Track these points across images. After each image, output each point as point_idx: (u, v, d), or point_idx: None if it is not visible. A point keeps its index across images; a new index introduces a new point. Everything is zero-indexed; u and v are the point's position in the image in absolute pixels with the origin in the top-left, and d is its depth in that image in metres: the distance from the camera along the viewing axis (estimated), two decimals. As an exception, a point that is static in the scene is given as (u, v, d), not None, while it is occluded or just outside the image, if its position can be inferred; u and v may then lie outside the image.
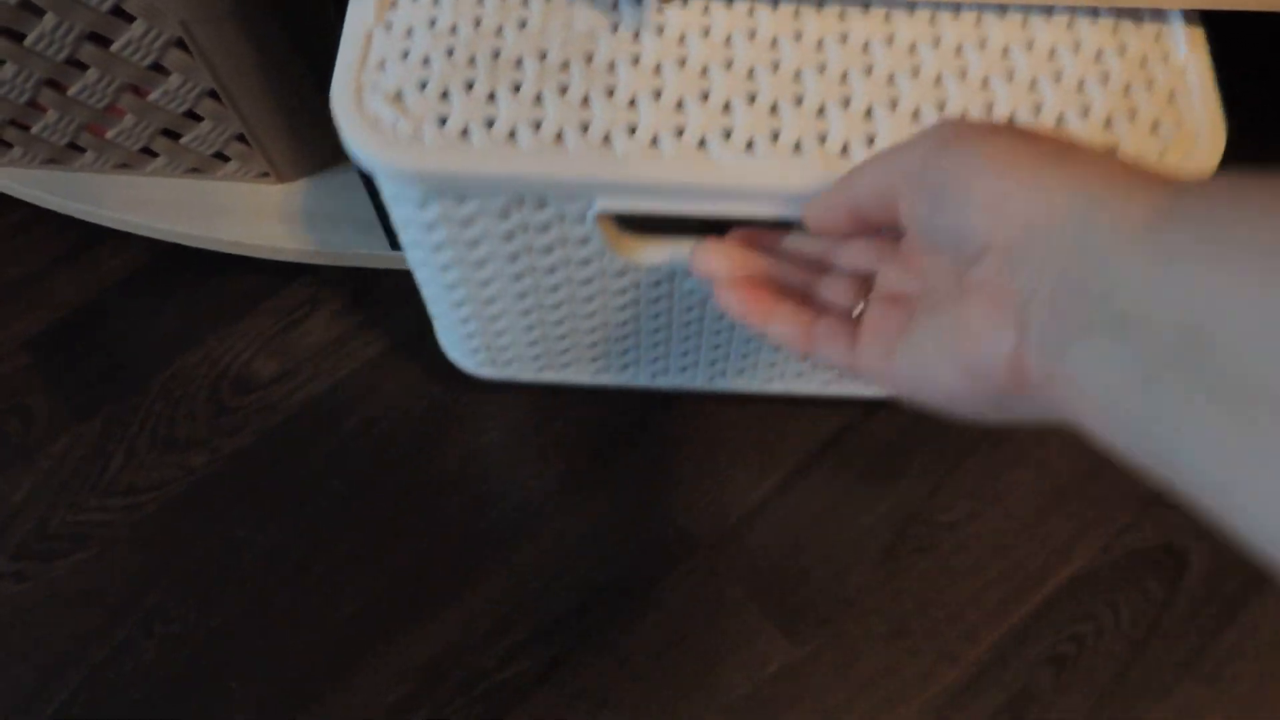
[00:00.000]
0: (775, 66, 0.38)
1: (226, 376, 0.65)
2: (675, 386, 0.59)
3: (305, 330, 0.67)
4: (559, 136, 0.37)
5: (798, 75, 0.38)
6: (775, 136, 0.37)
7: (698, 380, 0.58)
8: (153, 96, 0.55)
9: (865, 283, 0.34)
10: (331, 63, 0.38)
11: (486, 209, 0.40)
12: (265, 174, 0.62)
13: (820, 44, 0.39)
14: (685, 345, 0.54)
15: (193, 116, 0.57)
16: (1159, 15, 0.39)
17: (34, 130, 0.59)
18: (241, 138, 0.59)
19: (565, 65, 0.38)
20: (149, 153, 0.61)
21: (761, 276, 0.35)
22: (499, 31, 0.39)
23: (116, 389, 0.65)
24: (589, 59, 0.38)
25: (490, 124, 0.37)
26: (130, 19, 0.50)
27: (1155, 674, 0.59)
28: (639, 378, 0.58)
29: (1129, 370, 0.22)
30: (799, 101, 0.38)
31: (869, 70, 0.38)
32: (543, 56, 0.38)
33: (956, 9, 0.39)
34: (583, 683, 0.58)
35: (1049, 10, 0.39)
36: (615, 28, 0.39)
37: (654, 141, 0.37)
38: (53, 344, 0.66)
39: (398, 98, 0.37)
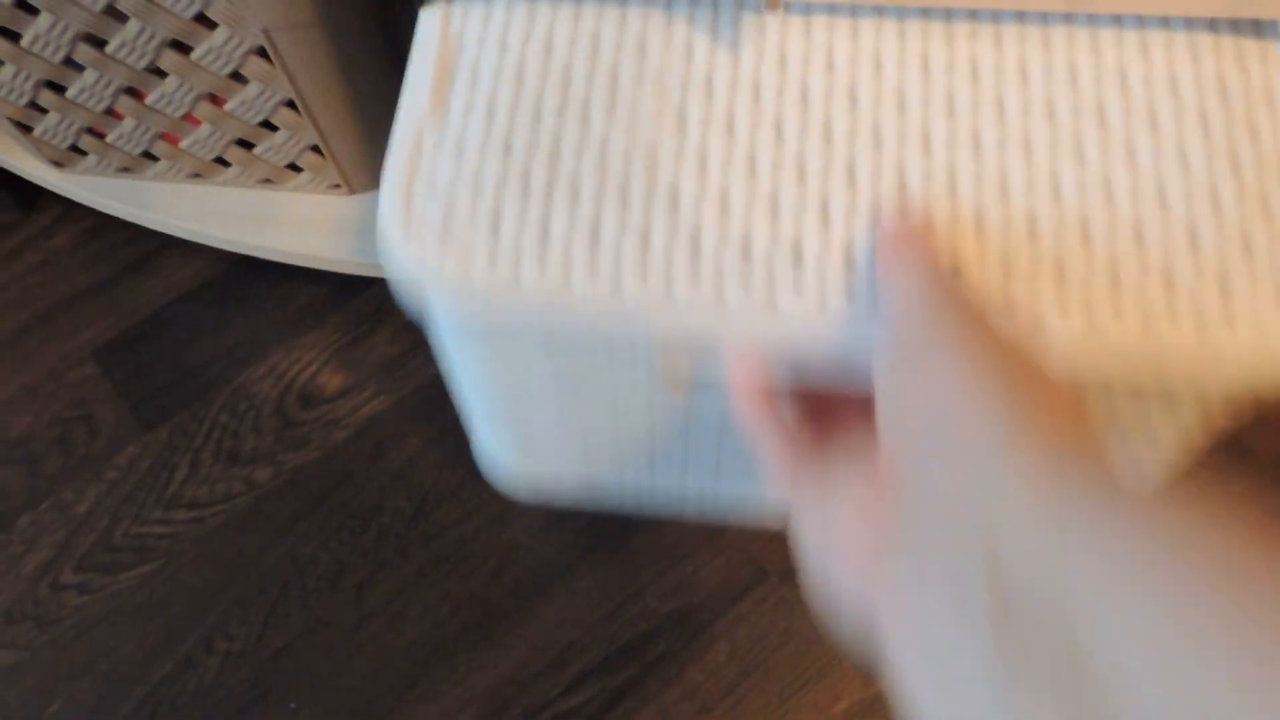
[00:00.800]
0: (848, 177, 0.33)
1: (292, 390, 0.64)
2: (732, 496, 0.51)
3: (371, 345, 0.66)
4: (617, 275, 0.32)
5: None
6: (850, 292, 0.31)
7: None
8: (230, 106, 0.55)
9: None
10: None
11: (533, 343, 0.37)
12: (337, 185, 0.61)
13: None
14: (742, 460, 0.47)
15: (268, 126, 0.56)
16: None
17: (109, 138, 0.59)
18: (316, 149, 0.58)
19: (625, 193, 0.33)
20: (222, 162, 0.60)
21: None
22: (556, 150, 0.33)
23: (182, 400, 0.64)
24: (652, 187, 0.33)
25: (544, 250, 0.32)
26: (213, 26, 0.49)
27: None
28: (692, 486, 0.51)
29: (987, 660, 0.19)
30: (848, 260, 0.32)
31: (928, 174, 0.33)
32: (604, 174, 0.33)
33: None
34: (649, 714, 0.56)
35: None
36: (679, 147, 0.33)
37: (719, 291, 0.32)
38: (120, 353, 0.66)
39: (449, 209, 0.33)
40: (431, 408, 0.64)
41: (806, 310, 0.31)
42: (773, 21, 0.35)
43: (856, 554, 0.25)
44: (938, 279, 0.27)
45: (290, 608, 0.58)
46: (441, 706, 0.56)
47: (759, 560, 0.59)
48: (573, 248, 0.32)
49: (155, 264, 0.68)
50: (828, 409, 0.32)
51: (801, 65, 0.35)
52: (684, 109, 0.34)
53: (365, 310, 0.67)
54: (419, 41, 0.36)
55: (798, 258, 0.32)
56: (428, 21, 0.37)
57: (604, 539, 0.60)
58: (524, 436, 0.46)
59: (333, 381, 0.65)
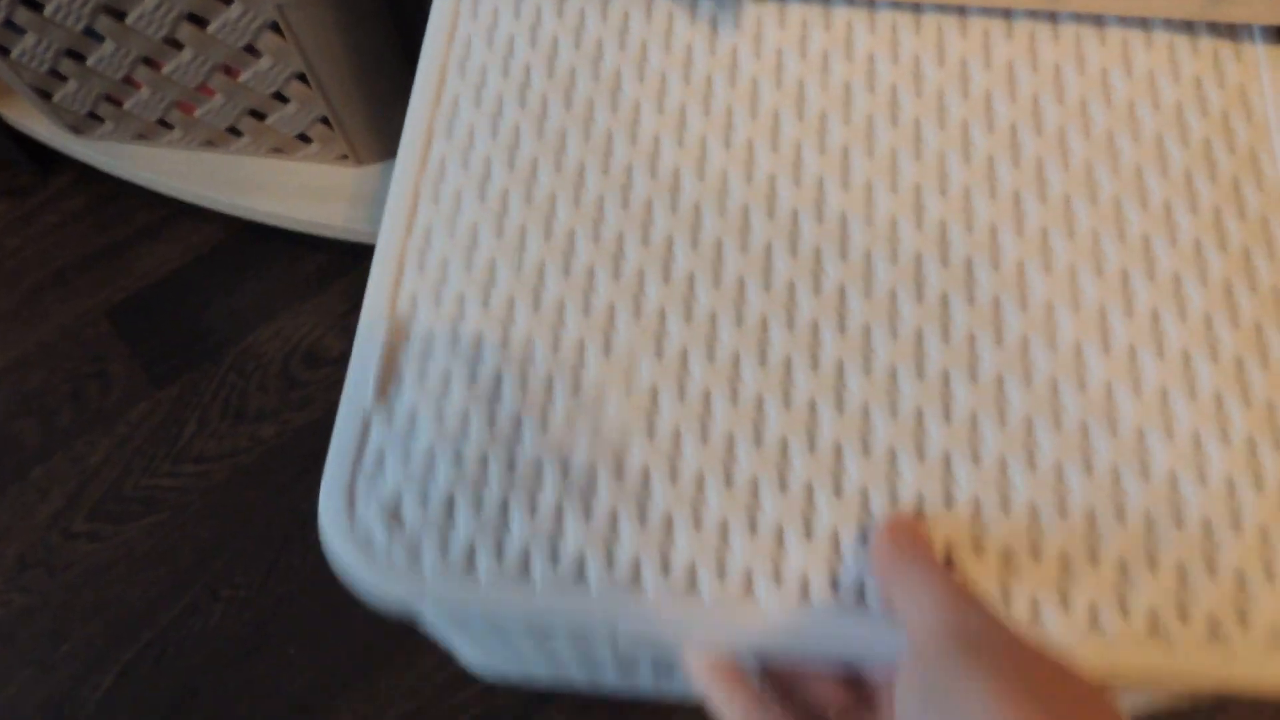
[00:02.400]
0: (835, 485, 0.31)
1: (297, 352, 0.67)
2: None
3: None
4: (580, 571, 0.30)
5: (839, 495, 0.31)
6: (835, 582, 0.30)
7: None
8: (243, 77, 0.57)
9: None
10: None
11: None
12: (344, 156, 0.64)
13: (865, 494, 0.31)
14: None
15: (280, 98, 0.59)
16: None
17: (126, 106, 0.61)
18: (325, 120, 0.60)
19: (592, 478, 0.31)
20: (234, 132, 0.63)
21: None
22: (517, 429, 0.31)
23: (192, 359, 0.67)
24: (619, 466, 0.31)
25: (500, 552, 0.30)
26: (228, 1, 0.51)
27: None
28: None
29: None
30: (864, 537, 0.30)
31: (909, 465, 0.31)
32: (565, 467, 0.31)
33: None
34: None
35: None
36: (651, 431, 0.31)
37: (692, 583, 0.30)
38: (134, 313, 0.68)
39: (395, 512, 0.31)
40: (430, 373, 0.66)
41: (785, 601, 0.29)
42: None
43: None
44: (948, 583, 0.27)
45: (292, 559, 0.61)
46: (435, 658, 0.59)
47: None
48: (533, 533, 0.30)
49: (168, 228, 0.71)
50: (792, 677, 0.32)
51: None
52: (657, 394, 0.32)
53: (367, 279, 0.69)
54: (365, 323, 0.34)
55: (779, 543, 0.30)
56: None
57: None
58: (498, 656, 0.44)
59: (336, 345, 0.67)
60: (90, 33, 0.55)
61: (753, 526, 0.30)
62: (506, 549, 0.30)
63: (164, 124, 0.63)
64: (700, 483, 0.30)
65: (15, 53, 0.58)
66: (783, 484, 0.31)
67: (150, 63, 0.57)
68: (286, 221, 0.65)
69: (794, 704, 0.31)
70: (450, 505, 0.31)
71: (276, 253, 0.70)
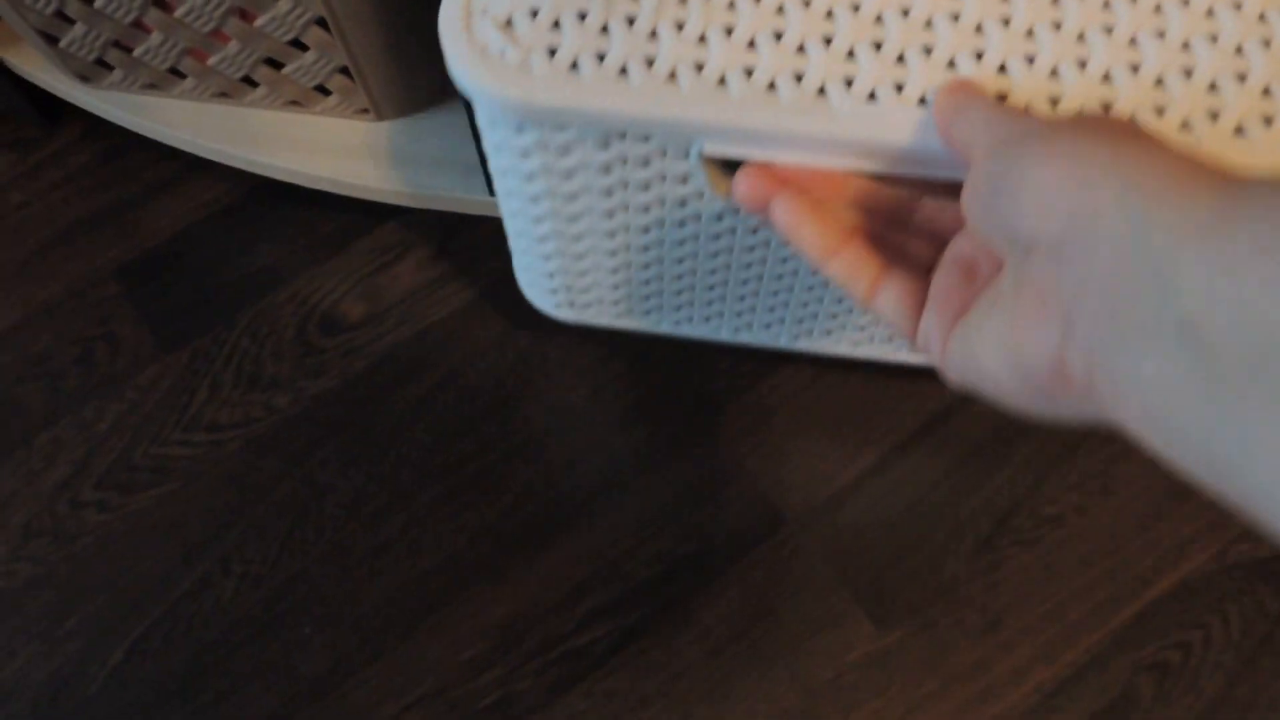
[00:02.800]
0: (905, 12, 0.35)
1: (314, 317, 0.64)
2: (758, 343, 0.56)
3: (395, 274, 0.65)
4: (672, 75, 0.35)
5: (929, 23, 0.35)
6: (900, 88, 0.34)
7: (781, 339, 0.55)
8: (259, 22, 0.53)
9: (941, 244, 0.33)
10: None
11: (585, 138, 0.38)
12: (365, 110, 0.60)
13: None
14: (773, 300, 0.51)
15: (298, 46, 0.55)
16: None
17: (136, 53, 0.58)
18: (345, 71, 0.57)
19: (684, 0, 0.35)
20: (249, 82, 0.59)
21: (831, 216, 0.34)
22: None
23: (204, 323, 0.64)
24: None
25: (601, 58, 0.35)
26: (245, -62, 0.48)
27: (1264, 690, 0.56)
28: (721, 331, 0.55)
29: (1188, 380, 0.21)
30: (928, 52, 0.34)
31: (1006, 21, 0.35)
32: None
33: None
34: (660, 655, 0.56)
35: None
36: None
37: (771, 86, 0.34)
38: (144, 273, 0.65)
39: (508, 24, 0.35)
40: (453, 340, 0.63)
41: (856, 104, 0.34)
42: None
43: (1016, 352, 0.26)
44: (1003, 108, 0.29)
45: (307, 533, 0.59)
46: (453, 638, 0.57)
47: (777, 507, 0.59)
48: (631, 45, 0.35)
49: (180, 185, 0.68)
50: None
51: None
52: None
53: (391, 239, 0.66)
54: None
55: (851, 58, 0.34)
56: None
57: (618, 481, 0.60)
58: (570, 272, 0.50)
59: (355, 309, 0.64)
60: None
61: (827, 41, 0.35)
62: (608, 57, 0.35)
63: (176, 73, 0.60)
64: (782, 7, 0.35)
65: (20, -6, 0.55)
66: (855, 7, 0.35)
67: (162, 5, 0.54)
68: (304, 179, 0.62)
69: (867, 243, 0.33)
70: (556, 19, 0.35)
71: (293, 212, 0.67)
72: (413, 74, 0.59)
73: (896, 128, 0.34)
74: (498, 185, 0.45)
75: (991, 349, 0.27)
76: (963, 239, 0.32)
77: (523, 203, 0.44)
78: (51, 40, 0.58)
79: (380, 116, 0.61)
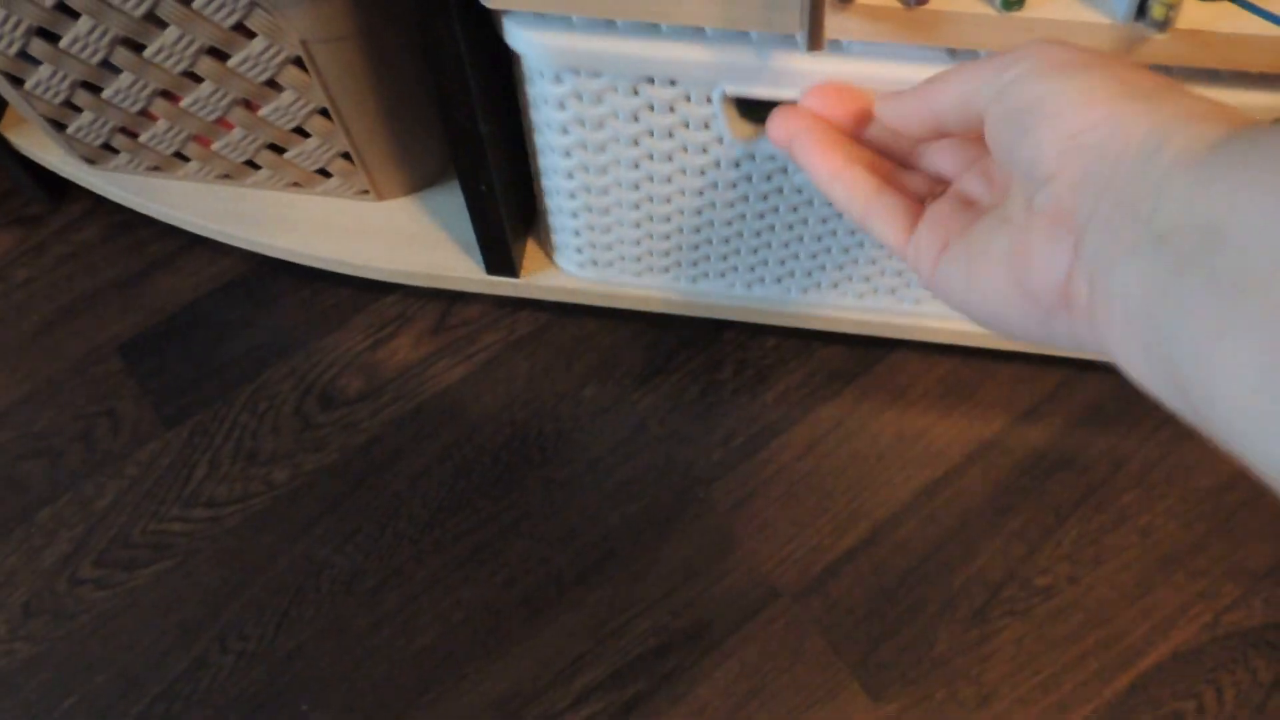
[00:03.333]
0: None
1: (313, 391, 0.65)
2: (770, 298, 0.60)
3: (392, 349, 0.66)
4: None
5: None
6: None
7: (792, 291, 0.59)
8: (263, 112, 0.55)
9: (944, 185, 0.34)
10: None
11: (616, 84, 0.43)
12: (365, 192, 0.62)
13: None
14: (784, 252, 0.55)
15: (300, 133, 0.57)
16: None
17: (142, 138, 0.60)
18: (346, 155, 0.58)
19: None
20: (252, 165, 0.61)
21: (839, 138, 0.35)
22: None
23: (204, 398, 0.65)
24: None
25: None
26: (251, 35, 0.50)
27: (1260, 761, 0.56)
28: (735, 286, 0.59)
29: (1156, 280, 0.23)
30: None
31: None
32: None
33: None
34: (658, 729, 0.56)
35: None
36: None
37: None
38: (146, 349, 0.66)
39: None
40: (450, 415, 0.64)
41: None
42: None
43: (1016, 273, 0.28)
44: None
45: (304, 610, 0.59)
46: (450, 713, 0.57)
47: (770, 581, 0.60)
48: None
49: (182, 261, 0.69)
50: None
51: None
52: None
53: (389, 314, 0.67)
54: None
55: None
56: None
57: (616, 553, 0.60)
58: (595, 228, 0.54)
59: (353, 384, 0.65)
60: (107, 65, 0.54)
61: None
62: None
63: (180, 156, 0.61)
64: None
65: (30, 83, 0.56)
66: None
67: (168, 95, 0.56)
68: (304, 258, 0.63)
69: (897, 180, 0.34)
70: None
71: (293, 288, 0.68)
72: (411, 157, 0.60)
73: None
74: (538, 139, 0.50)
75: (994, 267, 0.29)
76: (969, 180, 0.33)
77: (557, 156, 0.49)
78: (59, 126, 0.60)
79: (380, 197, 0.63)
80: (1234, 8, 0.35)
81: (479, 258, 0.60)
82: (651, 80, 0.43)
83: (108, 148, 0.62)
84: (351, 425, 0.64)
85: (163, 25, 0.50)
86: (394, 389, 0.65)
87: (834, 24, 0.37)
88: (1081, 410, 0.64)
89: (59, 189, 0.70)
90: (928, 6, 0.36)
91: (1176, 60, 0.37)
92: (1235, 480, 0.62)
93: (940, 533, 0.61)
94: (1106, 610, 0.59)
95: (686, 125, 0.46)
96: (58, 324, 0.67)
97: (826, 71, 0.40)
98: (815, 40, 0.35)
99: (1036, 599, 0.59)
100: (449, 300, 0.67)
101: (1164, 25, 0.35)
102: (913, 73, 0.39)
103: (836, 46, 0.40)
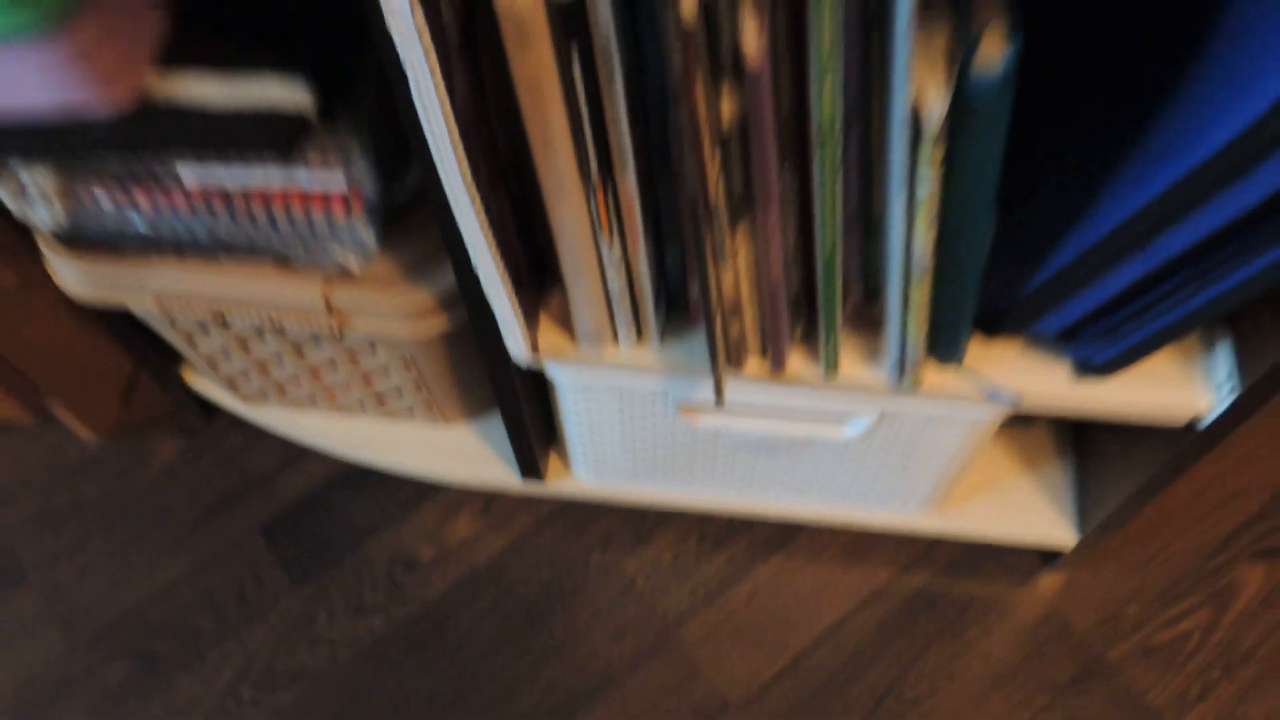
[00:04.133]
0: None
1: (399, 559, 0.91)
2: (724, 499, 0.86)
3: (454, 527, 0.93)
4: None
5: None
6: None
7: (741, 494, 0.86)
8: (375, 384, 0.83)
9: None
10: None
11: (609, 391, 0.71)
12: (437, 419, 0.89)
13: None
14: (732, 472, 0.82)
15: (398, 393, 0.84)
16: None
17: (287, 391, 0.87)
18: (426, 401, 0.86)
19: None
20: (361, 406, 0.88)
21: None
22: None
23: (322, 564, 0.91)
24: None
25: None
26: (374, 346, 0.77)
27: (1062, 820, 0.81)
28: (699, 490, 0.86)
29: None
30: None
31: None
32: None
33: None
34: (644, 802, 0.82)
35: None
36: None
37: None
38: (279, 528, 0.93)
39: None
40: (496, 575, 0.90)
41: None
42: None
43: None
44: None
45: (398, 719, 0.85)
46: (499, 792, 0.82)
47: (724, 695, 0.85)
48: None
49: (304, 463, 0.96)
50: None
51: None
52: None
53: (449, 503, 0.94)
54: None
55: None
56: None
57: (614, 677, 0.86)
58: (600, 455, 0.82)
59: (426, 553, 0.92)
60: (277, 357, 0.81)
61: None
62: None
63: (311, 400, 0.89)
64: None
65: (204, 348, 0.84)
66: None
67: (313, 372, 0.83)
68: (394, 467, 0.90)
69: None
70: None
71: (384, 482, 0.95)
72: (469, 399, 0.88)
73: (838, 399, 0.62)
74: (560, 407, 0.77)
75: None
76: None
77: (572, 417, 0.76)
78: (227, 379, 0.88)
79: (446, 423, 0.90)
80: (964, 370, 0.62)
81: (515, 467, 0.87)
82: (625, 392, 0.70)
83: (259, 392, 0.89)
84: (427, 584, 0.90)
85: (320, 343, 0.78)
86: (456, 556, 0.91)
87: (731, 387, 0.64)
88: (944, 566, 0.90)
89: (212, 407, 0.98)
90: (784, 373, 0.64)
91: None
92: (1048, 617, 0.88)
93: (843, 657, 0.87)
94: (955, 715, 0.84)
95: (654, 412, 0.73)
96: (216, 509, 0.94)
97: (735, 399, 0.67)
98: (720, 398, 0.63)
99: (909, 706, 0.85)
100: (493, 494, 0.94)
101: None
102: (788, 399, 0.67)
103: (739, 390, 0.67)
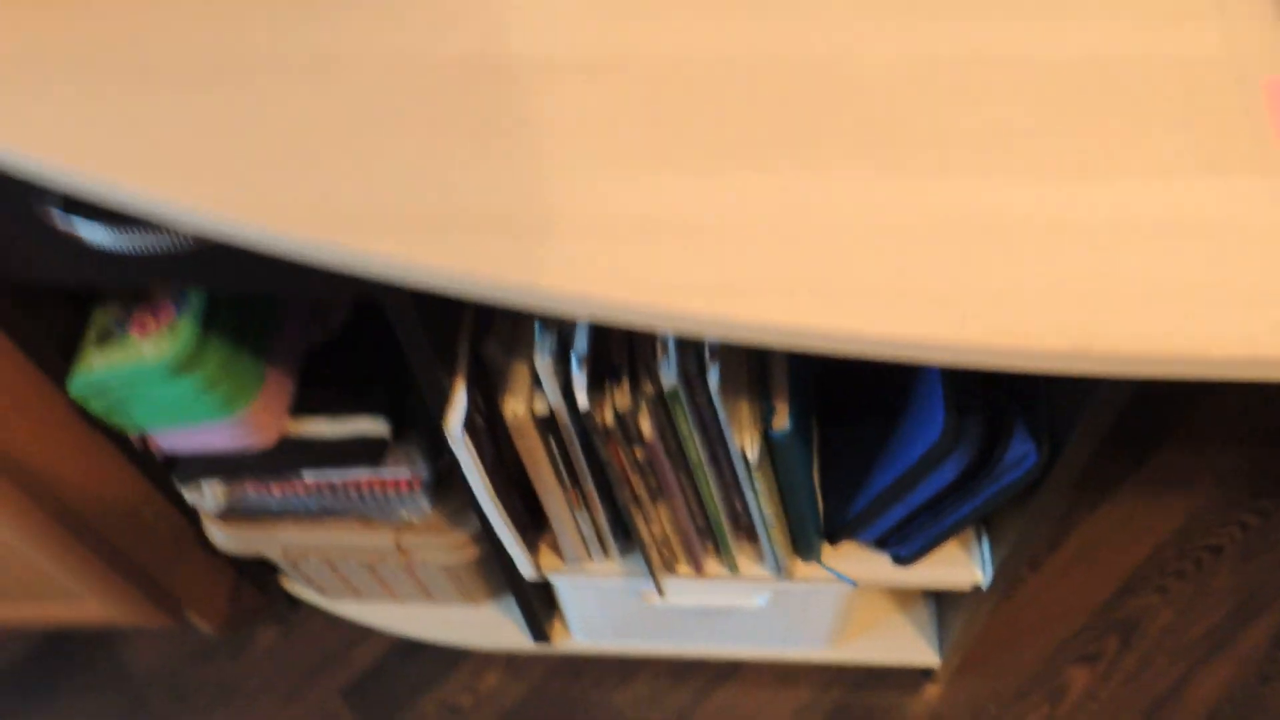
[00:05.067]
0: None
1: (446, 706, 1.22)
2: (689, 651, 1.15)
3: (485, 680, 1.24)
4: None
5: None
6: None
7: (702, 645, 1.15)
8: (425, 584, 1.15)
9: None
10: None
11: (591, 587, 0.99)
12: (468, 602, 1.21)
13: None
14: (688, 635, 1.11)
15: (440, 587, 1.17)
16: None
17: (360, 591, 1.19)
18: (460, 591, 1.18)
19: None
20: (412, 596, 1.21)
21: None
22: None
23: (390, 715, 1.22)
24: None
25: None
26: (427, 564, 1.10)
27: None
28: (676, 644, 1.15)
29: None
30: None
31: None
32: None
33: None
34: None
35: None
36: None
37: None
38: (355, 690, 1.24)
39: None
40: (520, 713, 1.21)
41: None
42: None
43: None
44: None
45: (454, 831, 1.15)
46: None
47: (692, 794, 1.15)
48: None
49: (369, 640, 1.28)
50: None
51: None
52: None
53: (481, 662, 1.25)
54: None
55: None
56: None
57: (612, 786, 1.16)
58: (591, 619, 1.08)
59: (467, 700, 1.23)
60: (355, 572, 1.14)
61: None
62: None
63: (375, 594, 1.21)
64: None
65: (304, 569, 1.16)
66: None
67: (380, 579, 1.15)
68: (436, 638, 1.22)
69: None
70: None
71: (431, 650, 1.26)
72: (492, 585, 1.20)
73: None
74: (561, 594, 1.06)
75: None
76: None
77: (570, 600, 1.05)
78: (311, 580, 1.20)
79: (476, 604, 1.22)
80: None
81: (529, 634, 1.19)
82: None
83: (338, 591, 1.21)
84: (472, 709, 1.21)
85: (387, 562, 1.10)
86: (489, 702, 1.22)
87: (670, 582, 0.97)
88: (852, 683, 1.21)
89: (299, 600, 1.30)
90: (704, 573, 0.96)
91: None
92: (934, 717, 1.18)
93: (781, 760, 1.17)
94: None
95: (623, 597, 1.05)
96: (306, 679, 1.25)
97: (674, 588, 1.00)
98: (660, 592, 0.95)
99: (830, 793, 1.15)
100: (514, 652, 1.26)
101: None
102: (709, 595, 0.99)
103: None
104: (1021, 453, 0.75)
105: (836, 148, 0.50)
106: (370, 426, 0.91)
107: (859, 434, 0.87)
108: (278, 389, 0.89)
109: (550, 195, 0.50)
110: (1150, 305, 0.44)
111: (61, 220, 0.63)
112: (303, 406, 0.92)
